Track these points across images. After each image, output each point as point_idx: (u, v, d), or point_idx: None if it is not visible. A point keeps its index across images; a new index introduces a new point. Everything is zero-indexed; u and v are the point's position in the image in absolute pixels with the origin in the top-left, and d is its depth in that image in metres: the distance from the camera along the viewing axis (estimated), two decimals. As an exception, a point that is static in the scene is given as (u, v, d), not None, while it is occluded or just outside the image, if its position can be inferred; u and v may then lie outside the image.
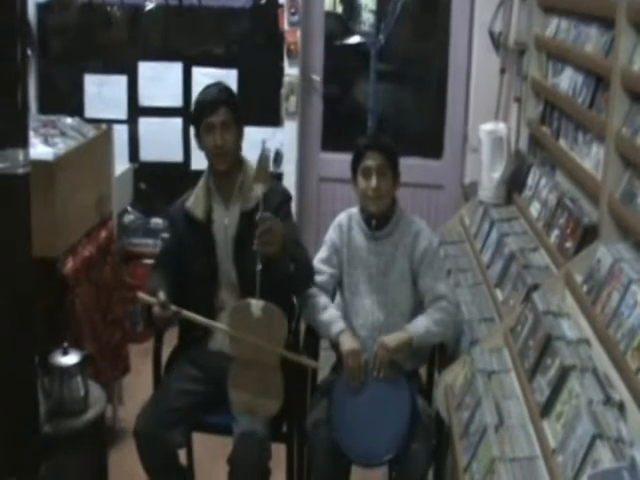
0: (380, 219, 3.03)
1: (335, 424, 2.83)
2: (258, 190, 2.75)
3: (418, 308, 3.03)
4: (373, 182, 2.96)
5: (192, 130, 3.06)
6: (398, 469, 2.86)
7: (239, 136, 3.02)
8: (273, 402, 2.85)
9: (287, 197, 3.08)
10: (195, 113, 3.02)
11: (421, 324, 2.93)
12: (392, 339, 2.88)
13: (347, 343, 2.89)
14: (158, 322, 2.86)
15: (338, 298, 3.15)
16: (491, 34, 4.63)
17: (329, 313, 2.97)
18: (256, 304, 2.78)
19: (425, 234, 3.05)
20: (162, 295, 2.82)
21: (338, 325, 2.94)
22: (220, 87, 3.05)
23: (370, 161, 2.97)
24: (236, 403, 2.87)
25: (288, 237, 2.78)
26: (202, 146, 3.00)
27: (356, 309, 3.05)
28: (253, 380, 2.84)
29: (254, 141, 3.02)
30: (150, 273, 3.15)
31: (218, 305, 3.03)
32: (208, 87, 3.06)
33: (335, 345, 2.97)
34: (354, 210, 3.13)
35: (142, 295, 2.87)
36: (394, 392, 2.83)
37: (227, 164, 2.98)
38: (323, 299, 3.00)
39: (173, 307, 2.81)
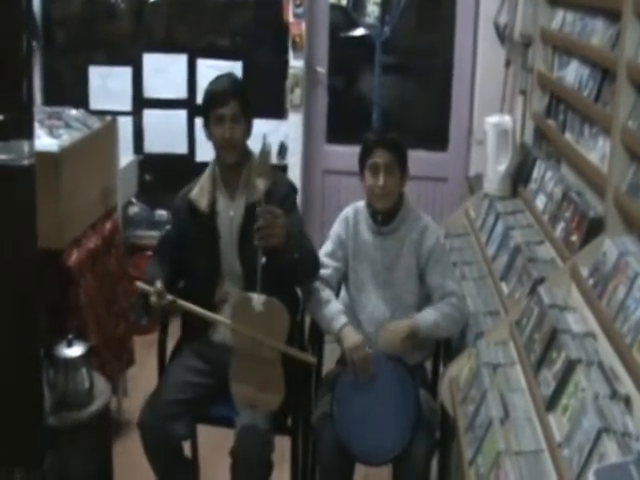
0: (387, 214, 3.02)
1: (339, 422, 2.82)
2: (260, 184, 2.73)
3: (424, 304, 3.01)
4: (380, 180, 2.93)
5: (198, 120, 3.05)
6: (399, 463, 2.85)
7: (248, 129, 3.01)
8: (274, 397, 2.82)
9: (292, 189, 3.07)
10: (205, 103, 3.00)
11: (429, 316, 2.92)
12: (398, 326, 2.88)
13: (349, 338, 2.87)
14: (155, 311, 2.86)
15: (343, 293, 3.14)
16: (496, 26, 4.62)
17: (331, 308, 2.95)
18: (257, 298, 2.75)
19: (432, 230, 3.03)
20: (159, 284, 2.82)
21: (340, 320, 2.91)
22: (231, 79, 3.04)
23: (378, 158, 2.94)
24: (238, 398, 2.86)
25: (293, 228, 2.78)
26: (210, 137, 3.00)
27: (362, 304, 3.04)
28: (254, 375, 2.82)
29: (258, 133, 3.01)
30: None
31: (222, 297, 3.02)
32: (219, 77, 3.04)
33: (339, 339, 2.95)
34: (361, 204, 3.10)
35: (140, 284, 2.86)
36: (399, 389, 2.83)
37: (235, 157, 2.97)
38: (326, 293, 2.98)
39: (169, 296, 2.81)
